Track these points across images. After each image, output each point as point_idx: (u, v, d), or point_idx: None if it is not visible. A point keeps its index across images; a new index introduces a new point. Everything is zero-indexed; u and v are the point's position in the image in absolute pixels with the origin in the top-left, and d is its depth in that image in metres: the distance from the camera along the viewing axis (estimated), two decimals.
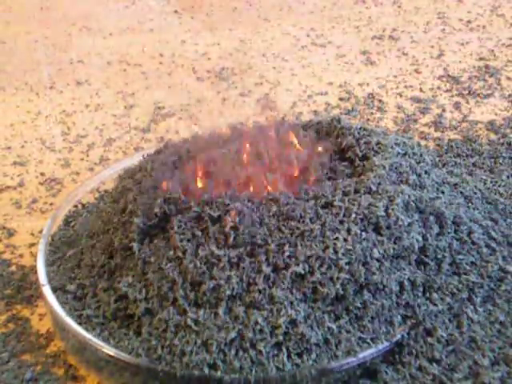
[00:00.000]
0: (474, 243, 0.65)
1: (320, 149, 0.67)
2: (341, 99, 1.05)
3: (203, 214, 0.59)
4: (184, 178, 0.63)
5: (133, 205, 0.63)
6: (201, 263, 0.57)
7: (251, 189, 0.63)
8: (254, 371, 0.53)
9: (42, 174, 0.88)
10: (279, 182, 0.63)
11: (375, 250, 0.59)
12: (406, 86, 1.08)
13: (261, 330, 0.55)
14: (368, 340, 0.56)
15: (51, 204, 0.82)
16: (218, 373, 0.53)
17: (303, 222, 0.59)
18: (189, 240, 0.59)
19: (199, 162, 0.65)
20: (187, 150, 0.68)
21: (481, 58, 1.17)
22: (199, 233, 0.59)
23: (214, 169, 0.64)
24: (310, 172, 0.64)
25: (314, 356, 0.55)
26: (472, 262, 0.64)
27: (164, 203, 0.60)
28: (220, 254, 0.58)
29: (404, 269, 0.60)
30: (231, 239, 0.58)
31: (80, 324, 0.59)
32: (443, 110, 1.01)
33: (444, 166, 0.84)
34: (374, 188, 0.63)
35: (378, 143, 0.68)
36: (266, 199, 0.61)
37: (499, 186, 0.79)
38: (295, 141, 0.68)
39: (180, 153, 0.68)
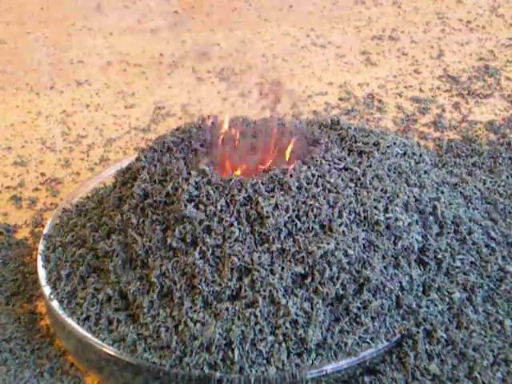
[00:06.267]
0: (473, 243, 0.65)
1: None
2: (341, 99, 1.05)
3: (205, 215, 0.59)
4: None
5: (132, 207, 0.63)
6: (201, 264, 0.57)
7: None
8: (253, 371, 0.54)
9: (42, 174, 0.88)
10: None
11: (375, 250, 0.59)
12: (405, 86, 1.09)
13: (261, 330, 0.55)
14: (368, 340, 0.56)
15: (51, 204, 0.82)
16: (218, 373, 0.54)
17: (303, 222, 0.59)
18: (189, 242, 0.59)
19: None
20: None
21: (480, 59, 1.17)
22: (199, 234, 0.59)
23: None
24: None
25: (313, 356, 0.55)
26: (472, 262, 0.64)
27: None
28: (219, 255, 0.58)
29: (404, 269, 0.60)
30: (232, 239, 0.58)
31: (80, 324, 0.59)
32: (443, 110, 1.01)
33: (444, 166, 0.84)
34: (373, 188, 0.63)
35: (377, 143, 0.68)
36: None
37: (499, 186, 0.79)
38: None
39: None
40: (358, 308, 0.57)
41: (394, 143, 0.69)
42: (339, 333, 0.56)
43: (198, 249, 0.58)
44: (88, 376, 0.60)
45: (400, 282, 0.60)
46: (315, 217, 0.59)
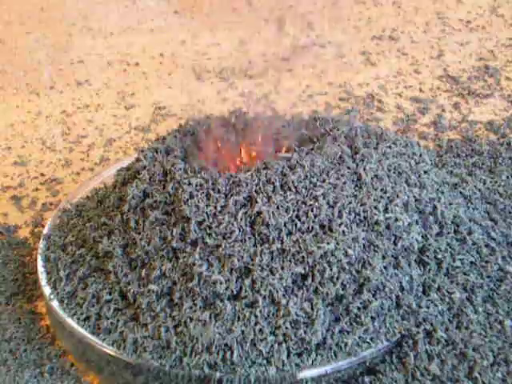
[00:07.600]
0: (473, 243, 0.65)
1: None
2: (341, 99, 1.05)
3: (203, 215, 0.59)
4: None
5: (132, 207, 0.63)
6: (200, 264, 0.57)
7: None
8: (253, 371, 0.54)
9: (42, 174, 0.88)
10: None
11: (375, 250, 0.59)
12: (405, 86, 1.09)
13: (261, 330, 0.55)
14: (368, 340, 0.56)
15: (51, 204, 0.82)
16: (218, 373, 0.54)
17: (303, 222, 0.59)
18: (189, 242, 0.59)
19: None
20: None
21: (480, 58, 1.17)
22: (199, 234, 0.59)
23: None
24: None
25: (313, 356, 0.55)
26: (472, 262, 0.64)
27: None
28: (219, 255, 0.58)
29: (404, 269, 0.60)
30: (231, 239, 0.58)
31: (80, 324, 0.59)
32: (443, 110, 1.01)
33: (444, 166, 0.84)
34: (373, 188, 0.63)
35: (377, 143, 0.68)
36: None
37: (499, 186, 0.79)
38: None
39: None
40: (358, 308, 0.57)
41: (394, 143, 0.69)
42: (339, 333, 0.56)
43: (197, 249, 0.58)
44: (88, 376, 0.60)
45: (400, 282, 0.60)
46: (315, 217, 0.59)
